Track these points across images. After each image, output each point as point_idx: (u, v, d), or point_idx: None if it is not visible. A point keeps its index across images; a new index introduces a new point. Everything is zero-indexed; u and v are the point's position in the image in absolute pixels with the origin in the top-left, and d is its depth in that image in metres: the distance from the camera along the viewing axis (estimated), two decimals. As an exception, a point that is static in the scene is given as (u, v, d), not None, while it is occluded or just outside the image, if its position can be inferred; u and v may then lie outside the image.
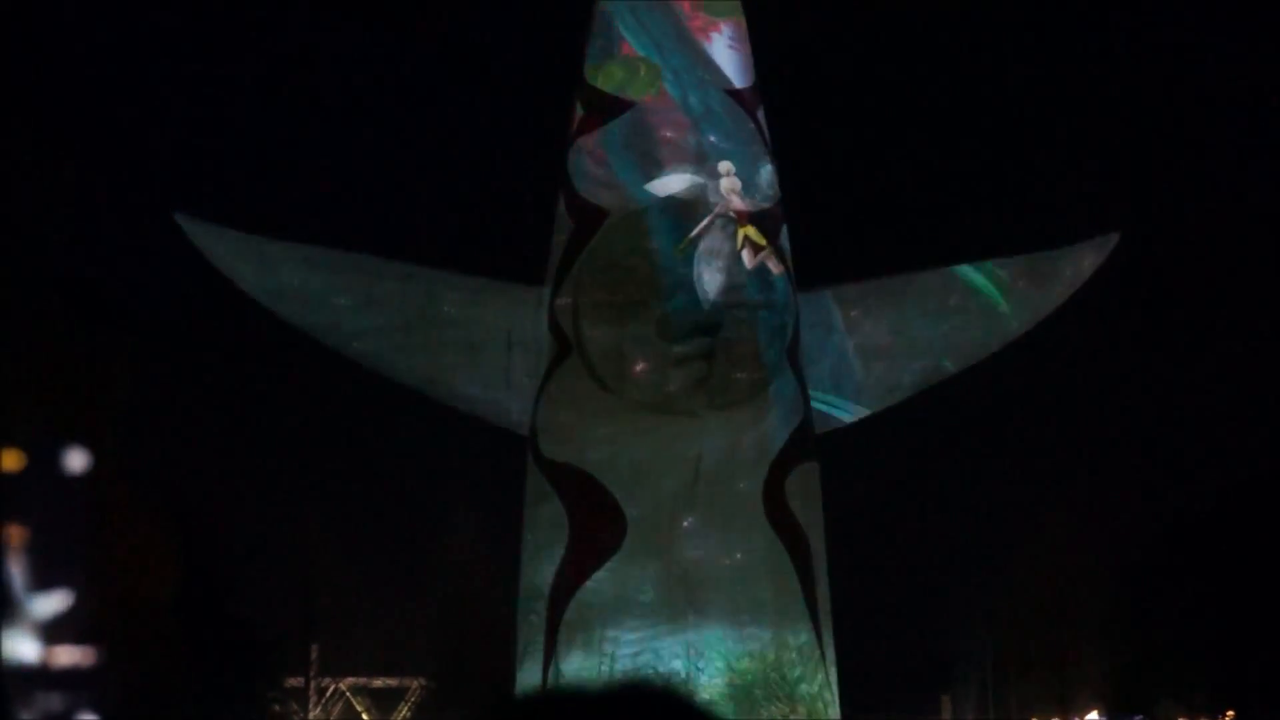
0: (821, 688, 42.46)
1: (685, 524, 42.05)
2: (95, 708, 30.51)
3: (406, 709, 77.29)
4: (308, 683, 70.79)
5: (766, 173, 45.45)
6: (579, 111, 45.73)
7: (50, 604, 29.53)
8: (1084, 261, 50.33)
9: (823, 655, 43.43)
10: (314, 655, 70.00)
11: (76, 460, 30.45)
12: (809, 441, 44.84)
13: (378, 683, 78.50)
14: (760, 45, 46.68)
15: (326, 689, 73.19)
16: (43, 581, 29.36)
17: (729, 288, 43.32)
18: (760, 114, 46.00)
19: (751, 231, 42.82)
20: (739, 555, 42.23)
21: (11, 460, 30.46)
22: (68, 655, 29.93)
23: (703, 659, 41.42)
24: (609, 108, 44.97)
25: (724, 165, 43.28)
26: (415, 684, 74.78)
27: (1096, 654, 66.64)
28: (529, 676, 42.44)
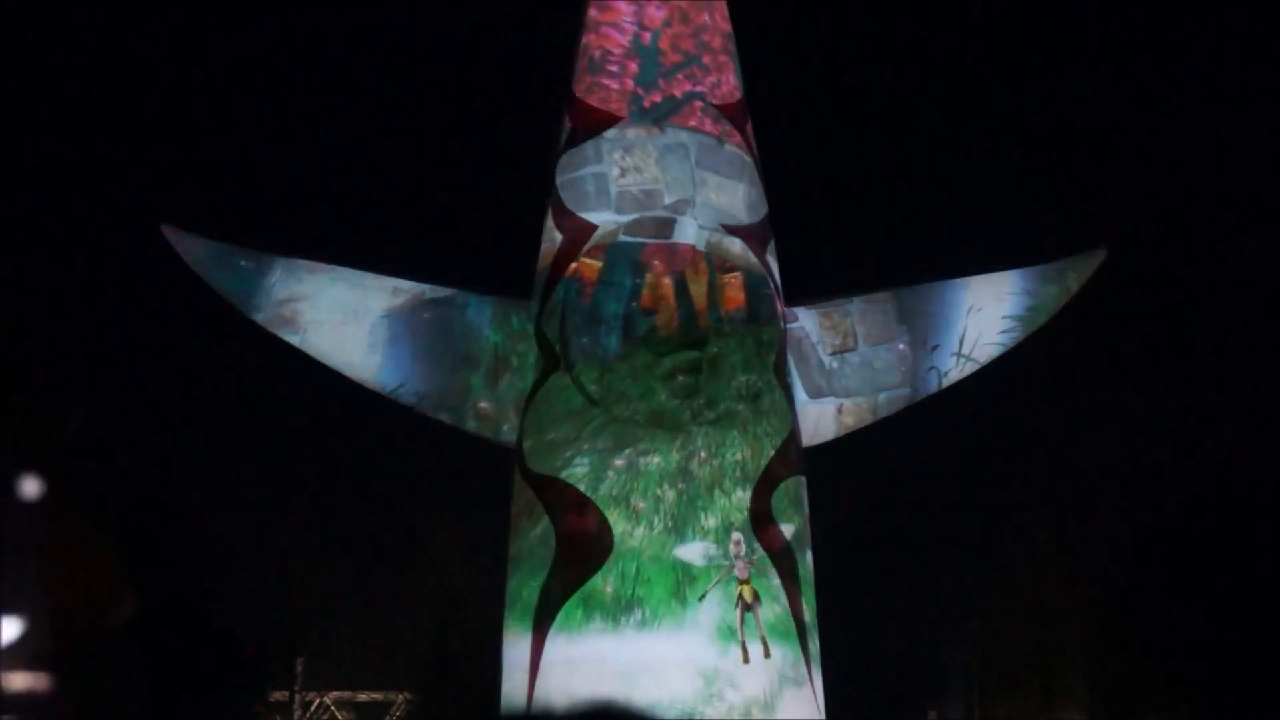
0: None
1: (671, 538, 41.95)
2: None
3: (391, 722, 77.11)
4: (292, 696, 70.45)
5: (751, 190, 45.45)
6: (567, 123, 45.71)
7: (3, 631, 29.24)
8: (1071, 277, 50.43)
9: (809, 668, 43.36)
10: (299, 668, 69.71)
11: (29, 486, 30.12)
12: (796, 455, 44.79)
13: (363, 696, 78.17)
14: (749, 57, 46.70)
15: (311, 702, 72.81)
16: None
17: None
18: (748, 128, 46.02)
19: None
20: (725, 569, 42.11)
21: None
22: (20, 682, 29.66)
23: (692, 675, 41.31)
24: (595, 123, 44.95)
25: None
26: (400, 698, 74.45)
27: (1082, 667, 66.61)
28: (513, 691, 42.28)
